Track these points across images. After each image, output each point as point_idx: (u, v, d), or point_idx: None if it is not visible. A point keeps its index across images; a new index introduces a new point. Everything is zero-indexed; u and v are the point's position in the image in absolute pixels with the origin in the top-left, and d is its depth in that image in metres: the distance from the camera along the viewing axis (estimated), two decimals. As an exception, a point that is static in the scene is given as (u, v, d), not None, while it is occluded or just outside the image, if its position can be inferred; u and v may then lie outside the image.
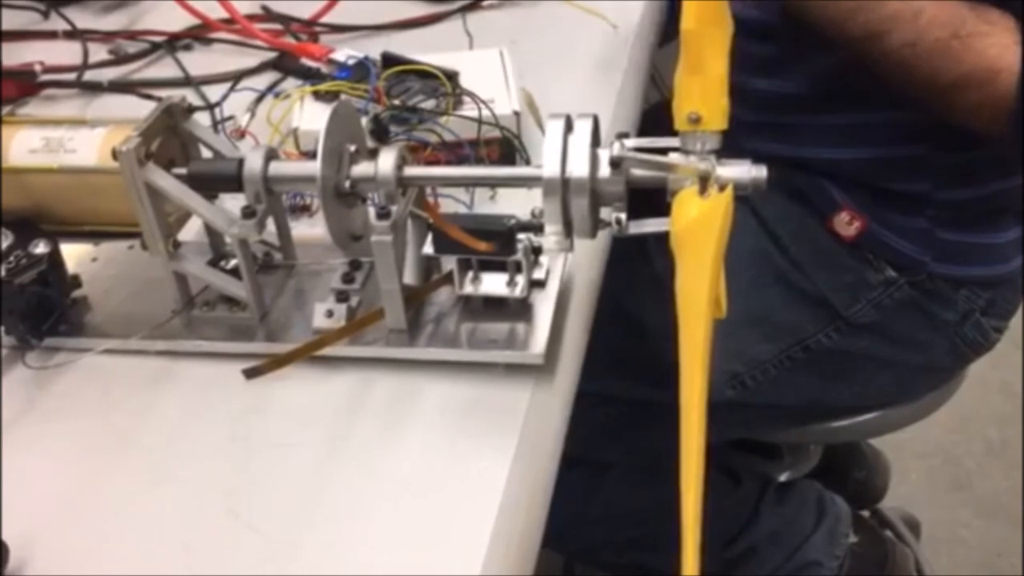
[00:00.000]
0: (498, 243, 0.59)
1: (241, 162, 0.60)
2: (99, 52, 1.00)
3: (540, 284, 0.63)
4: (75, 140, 0.71)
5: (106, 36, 1.03)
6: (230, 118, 0.86)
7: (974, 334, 0.98)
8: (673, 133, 0.51)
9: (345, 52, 0.87)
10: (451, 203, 0.74)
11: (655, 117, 0.89)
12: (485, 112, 0.75)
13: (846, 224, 0.94)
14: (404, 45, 0.87)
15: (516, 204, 0.63)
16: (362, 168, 0.59)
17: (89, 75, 0.96)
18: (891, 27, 0.77)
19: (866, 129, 0.92)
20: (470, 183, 0.72)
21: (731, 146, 0.50)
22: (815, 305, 0.96)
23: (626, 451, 1.06)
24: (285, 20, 1.01)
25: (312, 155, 0.57)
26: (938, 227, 0.93)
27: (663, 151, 0.53)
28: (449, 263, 0.63)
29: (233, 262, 0.66)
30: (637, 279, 0.97)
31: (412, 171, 0.59)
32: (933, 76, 0.77)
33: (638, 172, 0.54)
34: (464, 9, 1.03)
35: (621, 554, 1.14)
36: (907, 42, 0.77)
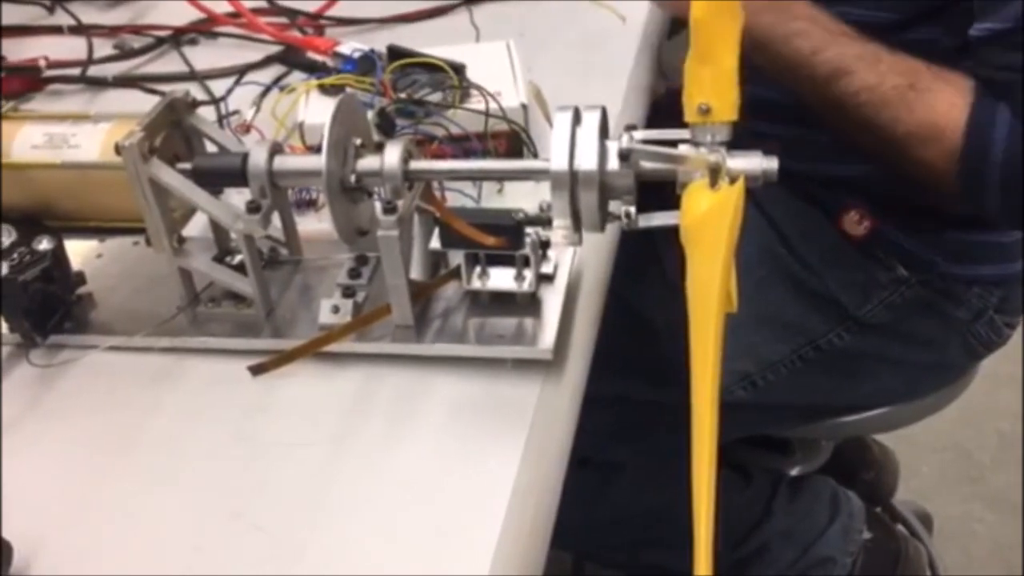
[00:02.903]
0: (506, 237, 0.59)
1: (246, 157, 0.60)
2: (104, 47, 1.00)
3: (548, 278, 0.63)
4: (78, 135, 0.71)
5: (111, 31, 1.02)
6: (235, 112, 0.86)
7: (987, 332, 0.98)
8: (683, 125, 0.50)
9: (351, 45, 0.86)
10: (458, 197, 0.73)
11: (664, 109, 0.88)
12: (492, 105, 0.75)
13: (855, 223, 0.93)
14: (410, 38, 0.87)
15: (524, 198, 0.62)
16: (368, 162, 0.59)
17: (94, 70, 0.96)
18: (856, 67, 0.77)
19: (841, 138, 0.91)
20: (477, 177, 0.72)
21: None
22: (826, 305, 0.95)
23: (637, 451, 1.05)
24: (290, 14, 1.01)
25: (317, 149, 0.57)
26: (948, 227, 0.92)
27: (672, 143, 0.53)
28: (456, 258, 0.62)
29: (238, 258, 0.65)
30: (646, 277, 0.96)
31: (418, 165, 0.59)
32: (886, 125, 0.77)
33: (647, 165, 0.53)
34: (470, 1, 1.02)
35: (633, 554, 1.13)
36: (869, 85, 0.77)
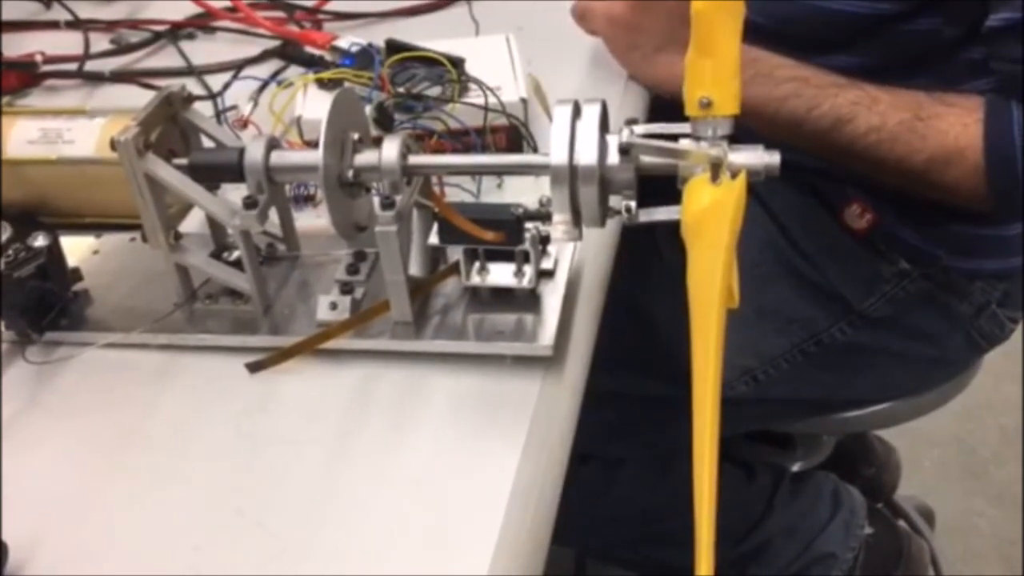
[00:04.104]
0: (505, 233, 0.58)
1: (242, 152, 0.59)
2: (101, 42, 1.00)
3: (548, 274, 0.62)
4: (73, 131, 0.70)
5: (108, 26, 1.02)
6: (233, 107, 0.85)
7: (990, 326, 0.97)
8: (683, 119, 0.50)
9: (349, 39, 0.86)
10: (457, 192, 0.73)
11: (664, 103, 0.88)
12: (492, 99, 0.74)
13: (857, 217, 0.92)
14: (409, 32, 0.86)
15: (523, 192, 0.62)
16: (366, 157, 0.58)
17: (91, 65, 0.95)
18: (855, 112, 0.78)
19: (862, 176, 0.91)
20: (476, 172, 0.71)
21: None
22: (827, 299, 0.95)
23: (638, 447, 1.05)
24: (288, 8, 1.00)
25: (315, 144, 0.56)
26: (950, 220, 0.92)
27: (673, 137, 0.52)
28: (455, 253, 0.61)
29: (236, 254, 0.65)
30: (646, 272, 0.96)
31: (417, 160, 0.58)
32: (905, 158, 0.78)
33: (648, 159, 0.53)
34: (470, -5, 1.02)
35: (635, 550, 1.13)
36: (873, 126, 0.78)
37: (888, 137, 0.77)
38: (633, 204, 0.54)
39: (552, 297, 0.61)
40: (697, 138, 0.50)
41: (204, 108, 0.81)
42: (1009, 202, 0.77)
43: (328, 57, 0.88)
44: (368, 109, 0.72)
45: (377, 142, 0.58)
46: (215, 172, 0.61)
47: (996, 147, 0.74)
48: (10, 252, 0.62)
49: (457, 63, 0.77)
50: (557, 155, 0.53)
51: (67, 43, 0.98)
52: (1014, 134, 0.74)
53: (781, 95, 0.80)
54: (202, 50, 0.98)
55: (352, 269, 0.65)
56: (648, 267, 0.97)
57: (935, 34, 0.81)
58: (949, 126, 0.76)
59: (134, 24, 1.02)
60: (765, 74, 0.80)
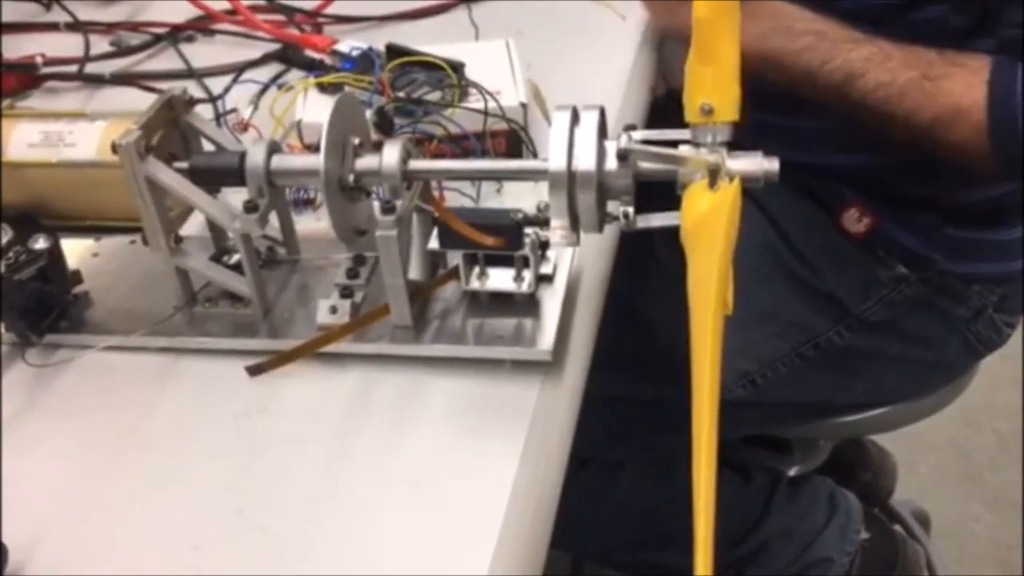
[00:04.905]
0: (505, 238, 0.58)
1: (243, 156, 0.60)
2: (101, 44, 1.00)
3: (547, 279, 0.63)
4: (74, 134, 0.71)
5: (108, 28, 1.02)
6: (233, 111, 0.85)
7: (987, 331, 0.97)
8: (682, 125, 0.50)
9: (349, 43, 0.86)
10: (457, 197, 0.73)
11: (663, 109, 0.88)
12: (491, 104, 0.74)
13: (855, 221, 0.93)
14: (409, 36, 0.86)
15: (523, 197, 0.62)
16: (366, 161, 0.59)
17: (91, 67, 0.95)
18: (866, 68, 0.79)
19: (874, 133, 0.91)
20: (476, 176, 0.71)
21: (740, 149, 0.50)
22: (825, 302, 0.95)
23: (637, 450, 1.05)
24: (289, 11, 1.00)
25: (315, 148, 0.57)
26: (948, 224, 0.92)
27: (672, 143, 0.52)
28: (455, 258, 0.62)
29: (236, 257, 0.65)
30: (644, 276, 0.96)
31: (417, 164, 0.58)
32: (912, 114, 0.79)
33: (646, 165, 0.53)
34: (469, 0, 1.02)
35: (634, 554, 1.13)
36: (883, 82, 0.79)
37: (897, 93, 0.78)
38: (631, 210, 0.54)
39: (551, 302, 0.61)
40: (696, 144, 0.50)
41: (204, 111, 0.82)
42: (1011, 162, 0.77)
43: (328, 61, 0.88)
44: (368, 113, 0.72)
45: (377, 146, 0.59)
46: (216, 176, 0.61)
47: (999, 107, 0.75)
48: (10, 254, 0.62)
49: (457, 68, 0.77)
50: (555, 161, 0.53)
51: (67, 45, 0.98)
52: (1017, 94, 0.75)
53: (798, 48, 0.81)
54: (202, 53, 0.97)
55: (352, 273, 0.65)
56: (645, 271, 0.97)
57: (941, 23, 0.82)
58: (955, 86, 0.77)
59: (134, 26, 1.02)
60: (785, 27, 0.82)
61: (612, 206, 0.55)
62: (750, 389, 0.98)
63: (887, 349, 0.98)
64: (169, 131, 0.63)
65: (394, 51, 0.81)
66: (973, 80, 0.76)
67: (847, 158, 0.93)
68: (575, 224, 0.55)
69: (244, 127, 0.83)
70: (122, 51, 0.99)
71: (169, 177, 0.60)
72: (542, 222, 0.58)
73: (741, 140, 0.50)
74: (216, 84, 0.90)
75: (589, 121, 0.54)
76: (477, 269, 0.61)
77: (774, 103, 0.86)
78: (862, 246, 0.93)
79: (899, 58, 0.79)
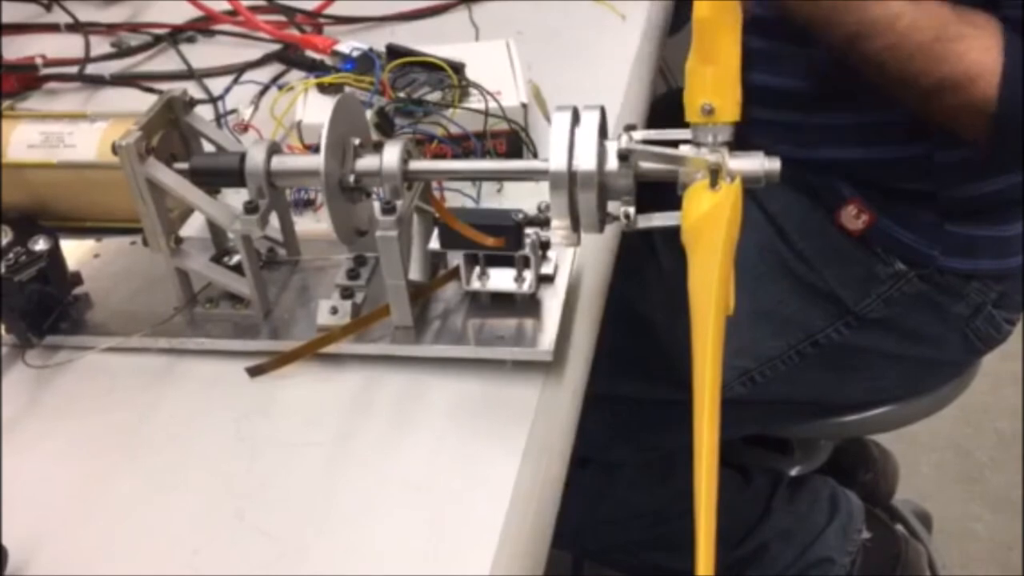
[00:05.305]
0: (506, 238, 0.58)
1: (243, 156, 0.60)
2: (101, 45, 1.00)
3: (548, 279, 0.62)
4: (74, 135, 0.70)
5: (108, 29, 1.02)
6: (233, 111, 0.85)
7: (986, 327, 0.97)
8: (682, 125, 0.50)
9: (350, 44, 0.86)
10: (457, 197, 0.73)
11: (664, 109, 0.88)
12: (492, 104, 0.74)
13: (853, 217, 0.93)
14: (409, 37, 0.87)
15: (524, 198, 0.62)
16: (366, 162, 0.59)
17: (91, 68, 0.95)
18: (872, 31, 0.78)
19: (871, 128, 0.91)
20: (476, 177, 0.71)
21: (739, 145, 0.49)
22: (824, 300, 0.95)
23: (637, 451, 1.05)
24: (289, 12, 1.00)
25: (316, 149, 0.57)
26: (946, 221, 0.92)
27: (673, 143, 0.52)
28: (456, 258, 0.62)
29: (236, 258, 0.65)
30: (644, 277, 0.96)
31: (417, 165, 0.58)
32: (914, 79, 0.78)
33: (647, 165, 0.53)
34: (470, 0, 1.02)
35: (634, 554, 1.13)
36: (888, 45, 0.78)
37: (904, 56, 0.77)
38: (632, 210, 0.54)
39: (552, 302, 0.61)
40: (697, 144, 0.50)
41: (204, 112, 0.82)
42: (1004, 139, 0.77)
43: (329, 61, 0.88)
44: (369, 114, 0.72)
45: (378, 147, 0.58)
46: (216, 177, 0.61)
47: (1011, 81, 0.74)
48: (11, 256, 0.62)
49: (457, 68, 0.77)
50: (556, 161, 0.53)
51: (67, 46, 0.98)
52: None
53: (811, 7, 0.80)
54: (202, 54, 0.97)
55: (352, 274, 0.65)
56: (645, 271, 0.97)
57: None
58: (969, 49, 0.76)
59: (134, 27, 1.02)
60: None
61: (613, 206, 0.55)
62: (749, 387, 0.98)
63: (886, 346, 0.98)
64: (169, 132, 0.63)
65: (394, 51, 0.81)
66: (989, 44, 0.75)
67: (839, 151, 0.92)
68: (576, 224, 0.55)
69: (244, 128, 0.83)
70: (122, 52, 0.99)
71: (169, 178, 0.60)
72: (543, 222, 0.58)
73: (739, 136, 0.50)
74: (216, 85, 0.90)
75: (590, 121, 0.54)
76: (478, 269, 0.61)
77: (770, 98, 0.86)
78: (860, 243, 0.93)
79: (911, 19, 0.77)
